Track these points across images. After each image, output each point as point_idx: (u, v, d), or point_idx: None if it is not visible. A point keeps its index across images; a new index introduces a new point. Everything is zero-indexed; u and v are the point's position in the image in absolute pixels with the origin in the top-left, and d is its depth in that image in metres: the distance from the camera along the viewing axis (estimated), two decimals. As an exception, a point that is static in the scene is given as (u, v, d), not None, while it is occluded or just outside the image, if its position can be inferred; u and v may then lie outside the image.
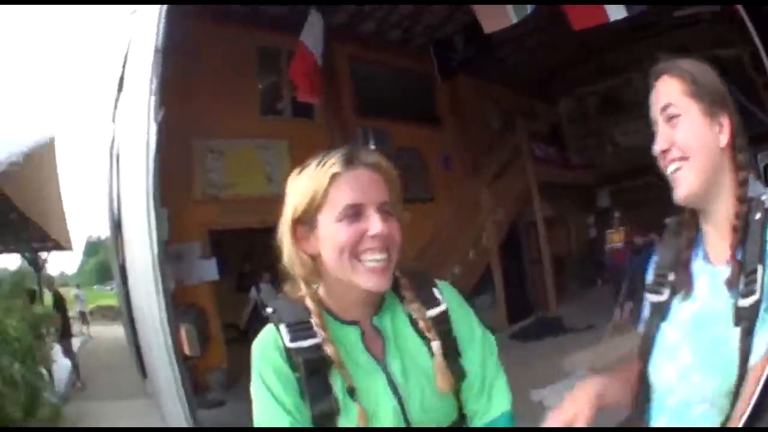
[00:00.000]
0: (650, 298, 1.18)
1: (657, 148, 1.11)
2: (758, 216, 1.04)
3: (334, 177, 1.00)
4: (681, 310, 1.12)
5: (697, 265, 1.12)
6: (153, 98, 3.21)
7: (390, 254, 1.01)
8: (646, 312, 1.20)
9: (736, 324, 1.01)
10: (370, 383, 1.01)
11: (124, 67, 3.88)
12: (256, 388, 1.01)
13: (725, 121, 1.08)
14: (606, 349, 5.49)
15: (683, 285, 1.12)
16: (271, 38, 7.05)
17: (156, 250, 3.10)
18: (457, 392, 1.05)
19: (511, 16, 4.76)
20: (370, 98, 7.47)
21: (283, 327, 1.01)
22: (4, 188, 6.98)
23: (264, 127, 7.07)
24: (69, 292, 8.32)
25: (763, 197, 1.06)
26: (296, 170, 1.04)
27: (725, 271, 1.06)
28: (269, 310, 1.06)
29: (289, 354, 1.00)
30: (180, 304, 6.03)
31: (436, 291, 1.09)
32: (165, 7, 3.56)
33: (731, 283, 1.03)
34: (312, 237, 1.02)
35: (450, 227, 7.28)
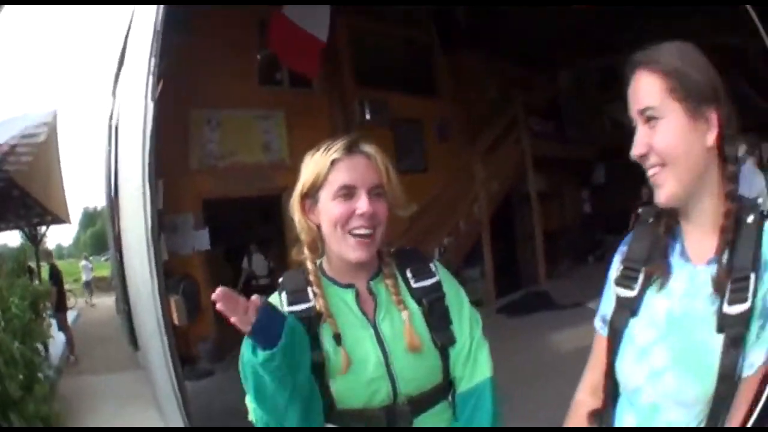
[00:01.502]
0: (618, 292, 1.08)
1: (634, 152, 1.01)
2: (751, 219, 0.96)
3: (334, 162, 1.20)
4: (654, 305, 1.04)
5: (674, 261, 1.04)
6: (151, 78, 3.28)
7: (375, 231, 1.20)
8: (609, 306, 1.11)
9: (720, 330, 0.94)
10: (359, 336, 1.20)
11: (125, 43, 3.94)
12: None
13: (713, 116, 0.97)
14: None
15: (660, 274, 1.03)
16: (271, 11, 6.97)
17: (150, 222, 3.18)
18: (445, 358, 1.24)
19: None
20: (369, 69, 7.37)
21: (284, 294, 1.23)
22: (5, 166, 6.96)
23: (262, 97, 7.00)
24: (78, 263, 8.34)
25: (760, 199, 1.02)
26: (310, 153, 1.24)
27: (705, 272, 0.99)
28: (280, 279, 1.28)
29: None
30: (173, 274, 6.04)
31: (432, 265, 1.29)
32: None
33: (718, 287, 0.95)
34: (316, 209, 1.23)
35: (442, 198, 7.15)
